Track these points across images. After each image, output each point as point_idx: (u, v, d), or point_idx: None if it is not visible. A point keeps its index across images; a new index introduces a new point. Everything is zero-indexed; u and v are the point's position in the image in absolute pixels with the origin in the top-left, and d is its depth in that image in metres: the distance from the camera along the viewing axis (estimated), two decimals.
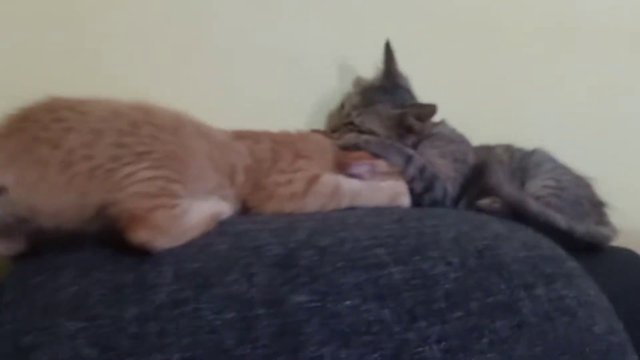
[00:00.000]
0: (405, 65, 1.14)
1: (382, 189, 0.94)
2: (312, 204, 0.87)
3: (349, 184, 0.92)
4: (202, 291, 0.64)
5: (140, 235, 0.66)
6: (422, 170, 0.96)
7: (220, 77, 1.12)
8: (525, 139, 1.28)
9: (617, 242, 1.10)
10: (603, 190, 1.14)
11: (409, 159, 0.96)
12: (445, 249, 0.79)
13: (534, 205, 0.95)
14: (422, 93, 1.13)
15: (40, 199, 0.67)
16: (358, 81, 1.10)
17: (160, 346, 0.58)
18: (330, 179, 0.90)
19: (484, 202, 0.97)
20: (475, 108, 1.30)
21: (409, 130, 1.02)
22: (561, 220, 0.96)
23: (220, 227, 0.75)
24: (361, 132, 1.01)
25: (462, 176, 1.02)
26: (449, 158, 1.02)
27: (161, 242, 0.67)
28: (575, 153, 1.17)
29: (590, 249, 0.99)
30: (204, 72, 1.10)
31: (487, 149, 1.12)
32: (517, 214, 0.94)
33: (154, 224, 0.66)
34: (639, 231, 1.18)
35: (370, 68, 1.13)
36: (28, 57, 0.97)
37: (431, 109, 1.00)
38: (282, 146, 0.92)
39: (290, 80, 1.17)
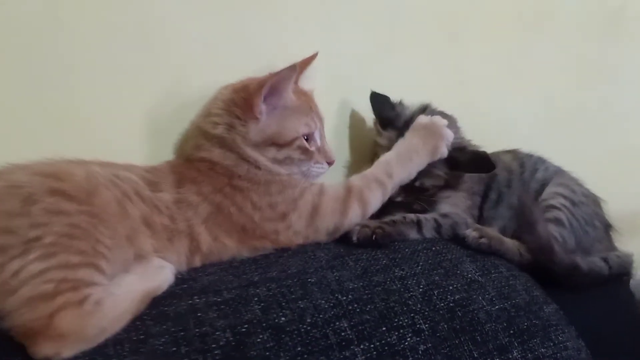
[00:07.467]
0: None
1: (416, 149, 0.87)
2: (324, 224, 0.81)
3: (366, 179, 0.84)
4: None
5: (44, 350, 0.55)
6: (437, 228, 0.89)
7: None
8: (500, 132, 1.20)
9: None
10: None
11: (419, 227, 0.88)
12: (415, 310, 0.72)
13: (584, 266, 0.88)
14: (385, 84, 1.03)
15: None
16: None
17: None
18: (333, 198, 0.82)
19: (472, 234, 0.88)
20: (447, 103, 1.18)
21: None
22: (604, 269, 0.91)
23: (160, 306, 0.65)
24: None
25: (478, 194, 0.98)
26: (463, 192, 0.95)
27: (72, 349, 0.56)
28: (550, 141, 1.12)
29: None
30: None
31: (494, 157, 1.03)
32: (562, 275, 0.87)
33: (58, 332, 0.55)
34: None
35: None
36: None
37: None
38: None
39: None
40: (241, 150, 0.80)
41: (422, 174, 0.90)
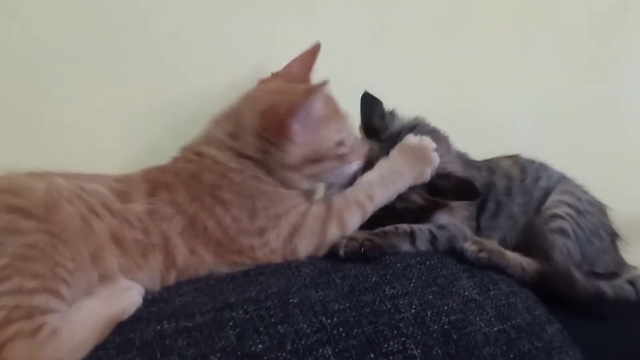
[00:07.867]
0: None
1: (401, 173, 0.82)
2: (303, 245, 0.76)
3: (347, 200, 0.79)
4: None
5: None
6: (433, 241, 0.83)
7: None
8: (499, 134, 1.16)
9: None
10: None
11: (412, 238, 0.82)
12: (406, 334, 0.66)
13: (610, 292, 0.83)
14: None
15: None
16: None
17: None
18: (314, 217, 0.77)
19: (470, 248, 0.81)
20: (443, 104, 1.12)
21: None
22: (630, 294, 0.85)
23: (125, 333, 0.59)
24: None
25: (474, 205, 0.90)
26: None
27: None
28: (550, 142, 1.09)
29: None
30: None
31: (492, 163, 0.97)
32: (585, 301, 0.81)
33: None
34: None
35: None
36: None
37: None
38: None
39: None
40: (277, 175, 0.77)
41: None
